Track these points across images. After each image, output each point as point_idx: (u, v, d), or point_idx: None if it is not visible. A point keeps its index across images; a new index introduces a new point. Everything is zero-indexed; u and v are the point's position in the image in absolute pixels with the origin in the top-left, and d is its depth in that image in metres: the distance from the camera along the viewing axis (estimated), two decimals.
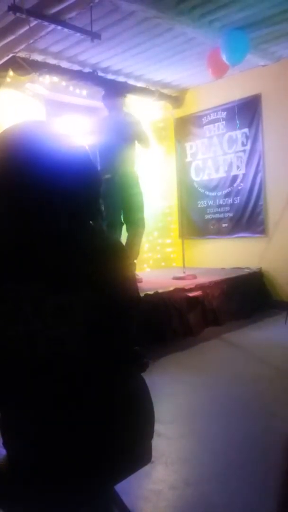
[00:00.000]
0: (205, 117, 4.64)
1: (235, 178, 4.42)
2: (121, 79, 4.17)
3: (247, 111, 4.22)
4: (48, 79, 3.75)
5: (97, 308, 0.76)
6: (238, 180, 4.39)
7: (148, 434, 0.92)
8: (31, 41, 3.20)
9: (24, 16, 2.75)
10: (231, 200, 4.47)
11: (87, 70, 3.91)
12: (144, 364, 0.92)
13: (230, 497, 1.43)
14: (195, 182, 4.79)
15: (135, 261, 3.52)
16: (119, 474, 0.88)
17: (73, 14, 2.85)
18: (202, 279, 3.60)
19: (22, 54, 3.45)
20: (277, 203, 4.11)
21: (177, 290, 3.27)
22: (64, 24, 2.93)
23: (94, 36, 3.06)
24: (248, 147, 4.28)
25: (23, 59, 3.46)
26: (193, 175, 4.82)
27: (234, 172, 4.42)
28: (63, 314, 0.74)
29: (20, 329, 0.73)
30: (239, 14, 3.07)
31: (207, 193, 4.70)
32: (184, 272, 3.82)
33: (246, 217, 4.34)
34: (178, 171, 4.64)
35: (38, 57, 3.59)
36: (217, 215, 4.60)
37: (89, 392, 0.79)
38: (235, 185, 4.42)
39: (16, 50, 3.34)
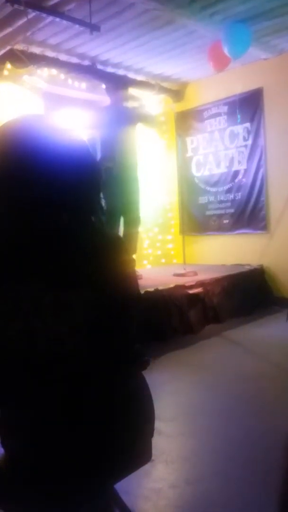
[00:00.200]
0: (206, 111, 4.60)
1: (236, 173, 4.38)
2: (120, 72, 4.13)
3: (248, 105, 4.17)
4: (46, 72, 3.72)
5: (97, 307, 0.76)
6: (240, 176, 4.35)
7: (148, 432, 0.92)
8: (29, 33, 3.16)
9: (22, 7, 2.71)
10: (232, 196, 4.44)
11: (86, 63, 3.87)
12: (144, 362, 0.91)
13: (231, 495, 1.43)
14: (196, 177, 4.76)
15: (134, 256, 3.50)
16: (119, 473, 0.89)
17: (71, 5, 2.81)
18: (203, 276, 3.58)
19: (20, 47, 3.41)
20: (279, 199, 4.07)
21: (177, 287, 3.25)
22: (62, 15, 2.90)
23: (93, 28, 3.02)
24: (249, 142, 4.24)
25: (21, 51, 3.43)
26: (194, 171, 4.78)
27: (235, 167, 4.39)
28: (63, 314, 0.74)
29: (20, 329, 0.73)
30: (241, 6, 3.03)
31: (208, 188, 4.66)
32: (184, 269, 3.80)
33: (248, 213, 4.31)
34: (179, 166, 4.61)
35: (36, 50, 3.55)
36: (218, 211, 4.57)
37: (89, 392, 0.79)
38: (236, 180, 4.38)
39: (14, 43, 3.30)
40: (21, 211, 0.75)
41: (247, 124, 4.24)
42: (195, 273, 3.69)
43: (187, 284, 3.33)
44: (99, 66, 3.93)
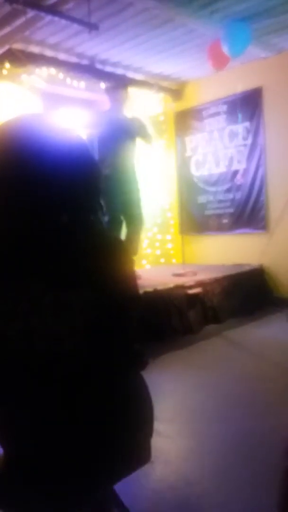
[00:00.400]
0: (205, 111, 4.59)
1: (235, 173, 4.38)
2: (119, 71, 4.12)
3: (248, 105, 4.17)
4: (45, 72, 3.71)
5: (97, 307, 0.76)
6: (239, 175, 4.34)
7: (147, 433, 0.92)
8: (28, 33, 3.17)
9: (20, 7, 2.71)
10: (231, 196, 4.43)
11: (85, 62, 3.86)
12: (143, 362, 0.91)
13: (230, 496, 1.42)
14: (195, 177, 4.75)
15: (134, 257, 3.49)
16: (119, 474, 0.88)
17: (70, 4, 2.81)
18: (202, 276, 3.58)
19: (18, 46, 3.41)
20: (279, 198, 4.07)
21: (176, 287, 3.25)
22: (61, 15, 2.90)
23: (92, 27, 3.01)
24: (249, 141, 4.24)
25: (20, 51, 3.43)
26: (193, 170, 4.77)
27: (235, 166, 4.38)
28: (63, 314, 0.74)
29: (20, 329, 0.73)
30: (240, 5, 3.02)
31: (207, 188, 4.66)
32: (183, 269, 3.80)
33: (247, 213, 4.31)
34: (178, 166, 4.60)
35: (35, 49, 3.55)
36: (218, 211, 4.56)
37: (88, 392, 0.79)
38: (235, 180, 4.37)
39: (13, 42, 3.29)
40: (21, 211, 0.75)
41: (247, 123, 4.23)
42: (195, 273, 3.68)
43: (186, 284, 3.32)
44: (98, 65, 3.92)
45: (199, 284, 3.39)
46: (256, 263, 4.18)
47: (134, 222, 3.49)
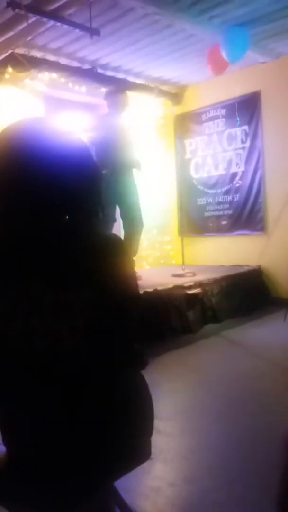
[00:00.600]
0: (204, 114, 4.63)
1: (234, 175, 4.41)
2: (120, 75, 4.15)
3: (246, 108, 4.20)
4: (47, 76, 3.74)
5: (97, 307, 0.76)
6: (238, 177, 4.38)
7: (147, 431, 0.92)
8: (30, 38, 3.19)
9: (23, 12, 2.73)
10: (230, 198, 4.47)
11: (86, 66, 3.89)
12: (143, 362, 0.91)
13: (229, 494, 1.43)
14: (195, 179, 4.78)
15: (134, 258, 3.52)
16: (119, 471, 0.89)
17: (72, 10, 2.83)
18: (201, 277, 3.60)
19: (21, 51, 3.43)
20: (277, 200, 4.10)
21: (176, 288, 3.27)
22: (63, 20, 2.92)
23: (93, 32, 3.04)
24: (247, 144, 4.28)
25: (22, 55, 3.44)
26: (192, 172, 4.80)
27: (233, 169, 4.42)
28: (63, 314, 0.74)
29: (20, 329, 0.73)
30: (239, 10, 3.05)
31: (206, 190, 4.69)
32: (183, 270, 3.82)
33: (246, 215, 4.34)
34: (178, 168, 4.63)
35: (37, 54, 3.57)
36: (217, 213, 4.60)
37: (88, 392, 0.79)
38: (234, 182, 4.41)
39: (15, 47, 3.32)
40: (22, 211, 0.75)
41: (245, 127, 4.27)
42: (194, 274, 3.70)
43: (186, 285, 3.34)
44: (99, 70, 3.95)
45: (198, 284, 3.41)
46: (254, 264, 4.21)
47: (133, 223, 3.50)
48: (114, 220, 3.49)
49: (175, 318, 3.15)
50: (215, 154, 4.57)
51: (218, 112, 4.50)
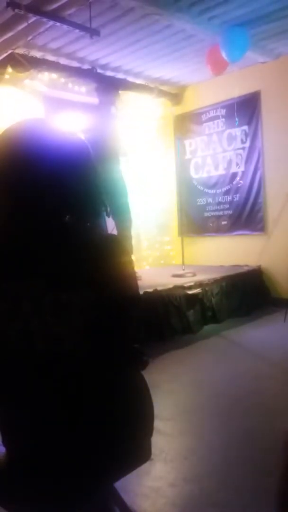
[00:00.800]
0: (204, 114, 4.63)
1: (234, 175, 4.41)
2: (120, 76, 4.15)
3: (246, 108, 4.21)
4: (46, 76, 3.74)
5: (97, 307, 0.76)
6: (237, 178, 4.38)
7: (147, 432, 0.92)
8: (30, 38, 3.18)
9: (22, 12, 2.74)
10: (230, 198, 4.47)
11: (86, 67, 3.89)
12: (143, 362, 0.91)
13: (229, 494, 1.43)
14: (195, 179, 4.78)
15: (133, 257, 3.51)
16: (119, 472, 0.89)
17: (72, 10, 2.84)
18: (201, 277, 3.60)
19: (20, 51, 3.43)
20: (277, 201, 4.10)
21: (176, 288, 3.27)
22: (63, 20, 2.92)
23: (93, 32, 3.05)
24: (247, 145, 4.28)
25: (22, 55, 3.44)
26: (192, 173, 4.81)
27: (233, 169, 4.42)
28: (63, 314, 0.74)
29: (20, 329, 0.74)
30: (239, 10, 3.06)
31: (206, 190, 4.69)
32: (183, 270, 3.82)
33: (245, 215, 4.34)
34: (178, 169, 4.63)
35: (37, 54, 3.57)
36: (216, 213, 4.60)
37: (88, 392, 0.79)
38: (234, 182, 4.41)
39: (15, 47, 3.32)
40: (23, 212, 0.76)
41: (245, 127, 4.27)
42: (194, 274, 3.71)
43: (186, 285, 3.35)
44: (99, 70, 3.95)
45: (198, 284, 3.42)
46: (254, 264, 4.21)
47: (121, 212, 3.45)
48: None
49: (175, 318, 3.15)
50: (215, 154, 4.57)
51: (218, 112, 4.50)
